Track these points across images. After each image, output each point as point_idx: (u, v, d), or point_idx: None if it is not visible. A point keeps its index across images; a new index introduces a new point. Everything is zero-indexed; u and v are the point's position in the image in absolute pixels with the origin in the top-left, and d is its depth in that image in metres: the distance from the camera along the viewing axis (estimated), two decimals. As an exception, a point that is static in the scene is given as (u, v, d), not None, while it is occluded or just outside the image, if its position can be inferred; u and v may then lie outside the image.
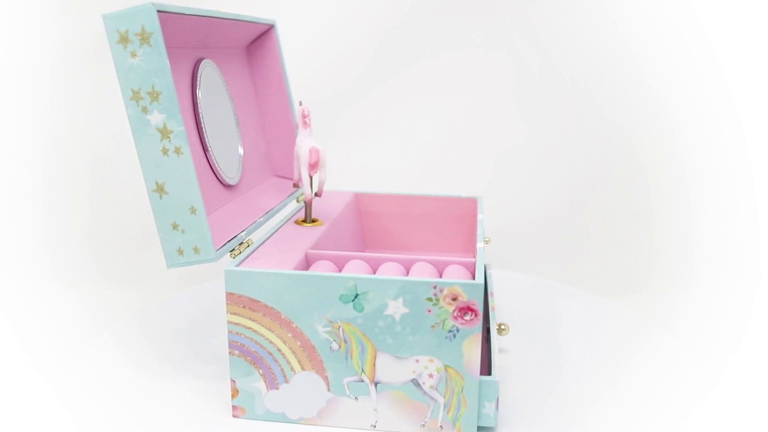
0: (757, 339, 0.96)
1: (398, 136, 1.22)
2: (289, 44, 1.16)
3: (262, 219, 0.75)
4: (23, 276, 1.16)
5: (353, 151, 1.21)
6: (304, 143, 0.76)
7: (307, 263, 0.69)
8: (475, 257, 0.69)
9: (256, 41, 0.88)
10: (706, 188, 1.14)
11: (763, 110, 1.10)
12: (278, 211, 0.81)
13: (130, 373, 0.73)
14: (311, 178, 0.76)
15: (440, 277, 0.67)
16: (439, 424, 0.61)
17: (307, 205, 0.79)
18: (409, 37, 1.17)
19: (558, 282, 1.01)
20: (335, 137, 1.19)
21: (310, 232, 0.76)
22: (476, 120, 1.20)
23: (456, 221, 0.93)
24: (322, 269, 0.67)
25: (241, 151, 0.81)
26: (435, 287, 0.58)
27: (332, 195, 0.92)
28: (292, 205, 0.93)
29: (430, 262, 0.69)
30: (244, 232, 0.70)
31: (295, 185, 0.81)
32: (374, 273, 0.67)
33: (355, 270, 0.67)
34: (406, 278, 0.59)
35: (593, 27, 1.14)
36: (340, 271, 0.68)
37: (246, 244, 0.68)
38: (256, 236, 0.77)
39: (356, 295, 0.59)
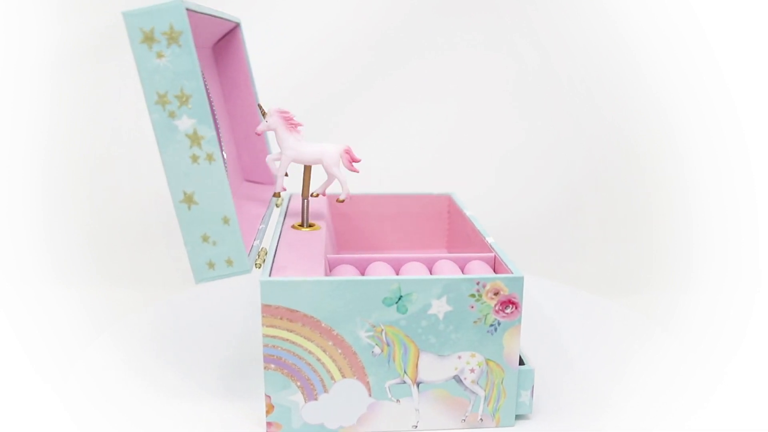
0: (759, 339, 0.97)
1: (395, 137, 1.21)
2: (287, 44, 1.15)
3: (263, 226, 0.73)
4: (23, 276, 1.12)
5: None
6: (316, 147, 0.72)
7: (328, 268, 0.68)
8: (491, 252, 0.70)
9: (222, 41, 0.85)
10: (706, 188, 1.17)
11: (763, 110, 1.13)
12: (269, 216, 0.78)
13: (131, 374, 0.71)
14: (309, 181, 0.74)
15: (462, 272, 0.67)
16: (479, 417, 0.62)
17: (305, 210, 0.76)
18: (408, 37, 1.17)
19: (558, 282, 1.02)
20: (333, 138, 1.18)
21: (315, 237, 0.73)
22: (476, 120, 1.20)
23: (430, 218, 0.94)
24: (345, 273, 0.66)
25: (224, 155, 0.79)
26: (478, 283, 0.59)
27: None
28: (276, 210, 0.90)
29: (450, 259, 0.70)
30: (257, 240, 0.68)
31: (277, 195, 0.75)
32: (397, 274, 0.67)
33: (379, 272, 0.66)
34: (450, 276, 0.59)
35: (593, 27, 1.16)
36: (363, 274, 0.67)
37: (264, 252, 0.66)
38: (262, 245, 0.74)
39: (400, 297, 0.59)
